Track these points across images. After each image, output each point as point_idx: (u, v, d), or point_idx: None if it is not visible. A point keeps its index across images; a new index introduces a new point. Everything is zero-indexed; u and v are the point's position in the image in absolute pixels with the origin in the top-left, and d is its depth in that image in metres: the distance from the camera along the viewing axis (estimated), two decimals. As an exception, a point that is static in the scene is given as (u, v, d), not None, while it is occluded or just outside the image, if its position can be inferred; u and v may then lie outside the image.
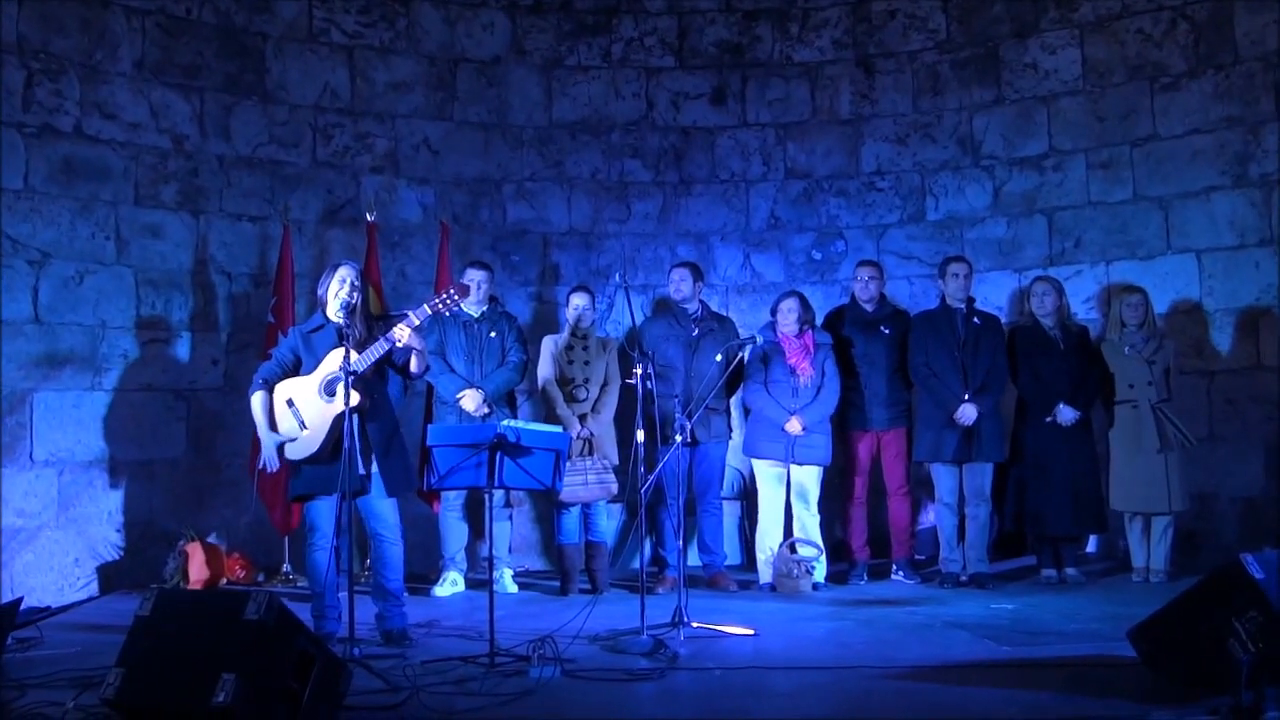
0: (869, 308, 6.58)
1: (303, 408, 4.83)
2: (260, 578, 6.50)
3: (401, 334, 4.68)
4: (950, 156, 7.47)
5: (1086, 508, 6.28)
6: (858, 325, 6.55)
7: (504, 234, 7.52)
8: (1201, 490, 6.47)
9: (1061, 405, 6.25)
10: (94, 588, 6.20)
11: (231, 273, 6.80)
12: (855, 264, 6.86)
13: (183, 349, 6.64)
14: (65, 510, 6.15)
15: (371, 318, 5.01)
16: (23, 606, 5.11)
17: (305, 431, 4.81)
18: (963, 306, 6.40)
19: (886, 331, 6.50)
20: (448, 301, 4.74)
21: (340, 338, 4.79)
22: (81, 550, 6.19)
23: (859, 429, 6.46)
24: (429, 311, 4.73)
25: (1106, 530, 6.60)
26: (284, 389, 4.92)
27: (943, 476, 6.36)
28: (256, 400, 4.94)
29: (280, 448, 4.89)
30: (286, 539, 6.51)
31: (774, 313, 6.34)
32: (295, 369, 4.98)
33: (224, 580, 6.34)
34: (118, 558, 6.31)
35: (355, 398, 4.62)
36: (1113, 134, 6.99)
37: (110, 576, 6.24)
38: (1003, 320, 6.80)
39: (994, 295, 7.19)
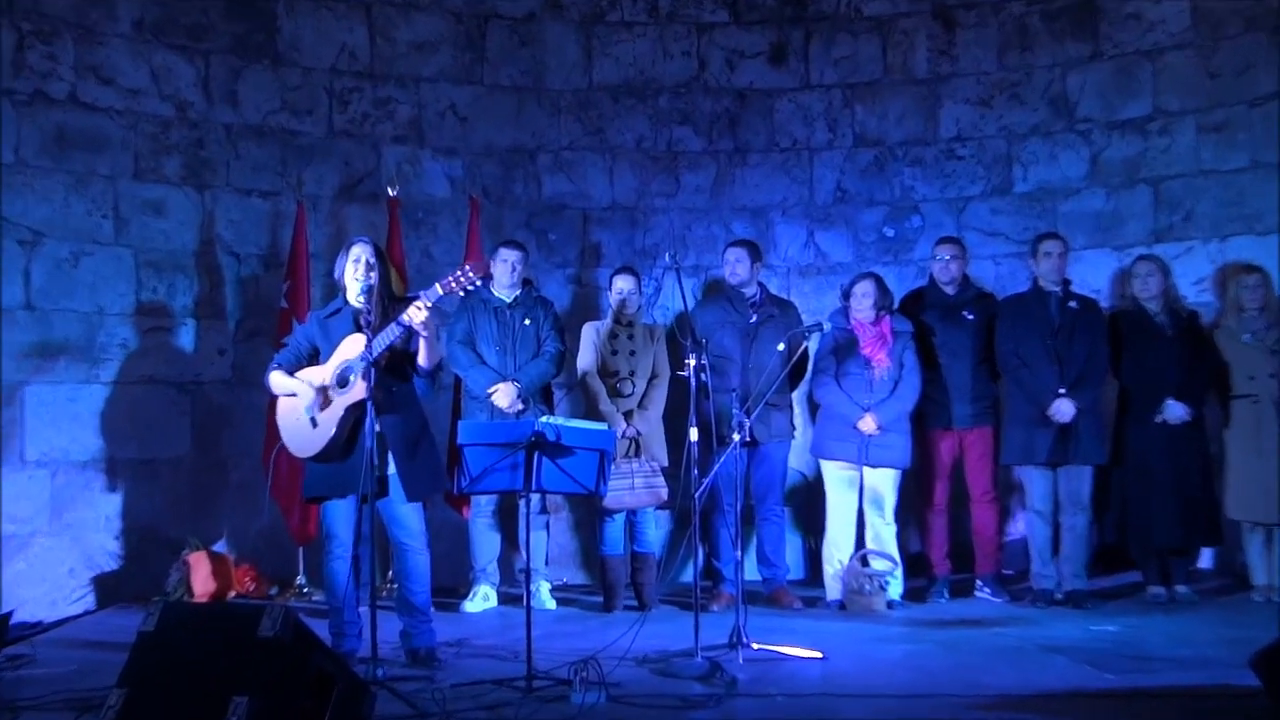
0: (950, 291, 6.53)
1: (314, 399, 4.84)
2: (272, 591, 6.53)
3: (416, 315, 4.63)
4: (1041, 120, 7.38)
5: (1199, 517, 6.20)
6: (938, 311, 6.50)
7: (539, 210, 7.51)
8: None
9: (1170, 400, 6.17)
10: (90, 600, 6.26)
11: (240, 254, 6.84)
12: (933, 242, 6.80)
13: (187, 338, 6.69)
14: (59, 515, 6.22)
15: (391, 300, 4.98)
16: (13, 621, 5.17)
17: (316, 426, 4.81)
18: (1057, 289, 6.33)
19: (970, 317, 6.45)
20: (462, 280, 4.66)
21: (358, 323, 4.78)
22: (77, 559, 6.25)
23: (940, 427, 6.41)
24: (440, 291, 4.66)
25: (1222, 542, 6.51)
26: (298, 380, 4.94)
27: (1035, 481, 6.29)
28: (276, 376, 4.99)
29: (282, 448, 4.92)
30: (302, 550, 6.54)
31: (846, 296, 6.32)
32: (313, 359, 4.99)
33: (232, 593, 6.38)
34: (116, 567, 6.37)
35: (361, 388, 4.61)
36: (1227, 93, 6.88)
37: (108, 588, 6.30)
38: (1102, 305, 6.70)
39: (1092, 276, 7.09)
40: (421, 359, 4.84)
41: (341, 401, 4.77)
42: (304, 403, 4.86)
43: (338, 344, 4.87)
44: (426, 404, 5.20)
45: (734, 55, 7.66)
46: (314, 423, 4.83)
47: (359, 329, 4.77)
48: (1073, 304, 6.32)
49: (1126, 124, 7.18)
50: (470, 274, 4.68)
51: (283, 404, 4.99)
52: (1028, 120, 7.41)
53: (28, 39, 6.17)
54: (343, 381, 4.79)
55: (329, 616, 4.99)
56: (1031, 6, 7.36)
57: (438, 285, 4.68)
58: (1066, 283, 6.38)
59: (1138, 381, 6.28)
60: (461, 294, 4.93)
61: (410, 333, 4.72)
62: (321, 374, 4.87)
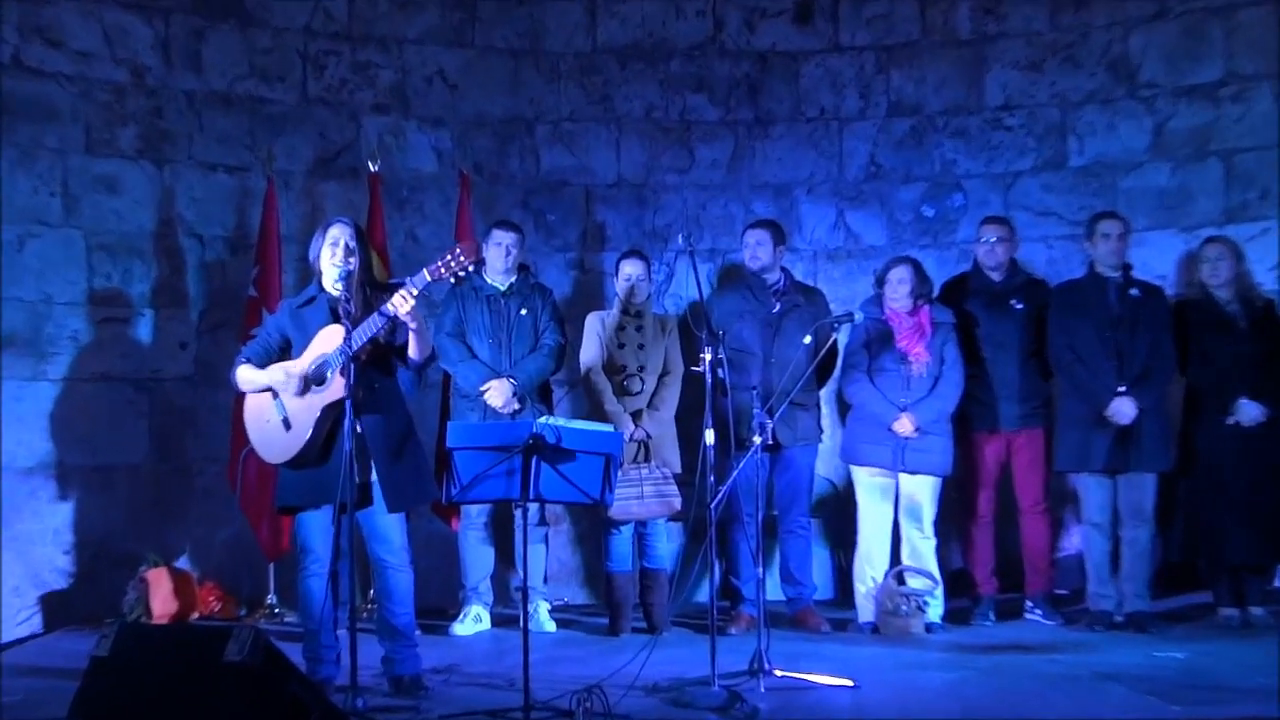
0: (996, 277, 6.52)
1: (287, 400, 4.84)
2: (241, 612, 6.55)
3: (402, 305, 4.63)
4: (1099, 85, 7.36)
5: (1275, 530, 6.18)
6: (982, 299, 6.49)
7: (537, 187, 7.52)
8: None
9: (1243, 400, 6.16)
10: (37, 622, 6.27)
11: (204, 236, 6.85)
12: (978, 222, 6.79)
13: (145, 330, 6.70)
14: (2, 528, 6.21)
15: (373, 287, 4.98)
16: (-48, 645, 5.19)
17: (289, 428, 4.81)
18: (1116, 275, 6.32)
19: (1019, 307, 6.44)
20: (453, 265, 4.65)
21: (335, 313, 4.77)
22: (21, 576, 6.26)
23: (985, 429, 6.41)
24: (428, 278, 4.65)
25: (1302, 559, 6.49)
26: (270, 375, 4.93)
27: (1091, 490, 6.29)
28: (244, 370, 4.96)
29: (251, 452, 4.92)
30: (273, 566, 6.55)
31: (880, 284, 6.31)
32: (284, 352, 4.99)
33: (195, 614, 6.39)
34: (66, 586, 6.38)
35: (340, 385, 4.61)
36: (1309, 55, 6.87)
37: (57, 609, 6.31)
38: (1167, 292, 6.68)
39: (1155, 261, 7.06)
40: (412, 352, 4.84)
41: (318, 400, 4.77)
42: (277, 401, 4.85)
43: (313, 336, 4.87)
44: (411, 402, 5.21)
45: (754, 14, 7.66)
46: (287, 424, 4.83)
47: (337, 320, 4.77)
48: (1134, 291, 6.30)
49: (1195, 90, 7.16)
50: (462, 258, 4.67)
51: (251, 403, 4.98)
52: (1084, 86, 7.39)
53: (-34, -4, 6.20)
54: (319, 379, 4.79)
55: (303, 640, 4.98)
56: (1089, -42, 7.38)
57: (425, 271, 4.67)
58: (1127, 268, 6.36)
59: (1207, 378, 6.27)
60: (452, 280, 4.93)
61: (395, 324, 4.72)
62: (296, 369, 4.86)
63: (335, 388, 4.69)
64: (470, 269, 4.73)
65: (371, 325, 4.70)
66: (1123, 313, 6.24)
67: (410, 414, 5.08)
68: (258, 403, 4.93)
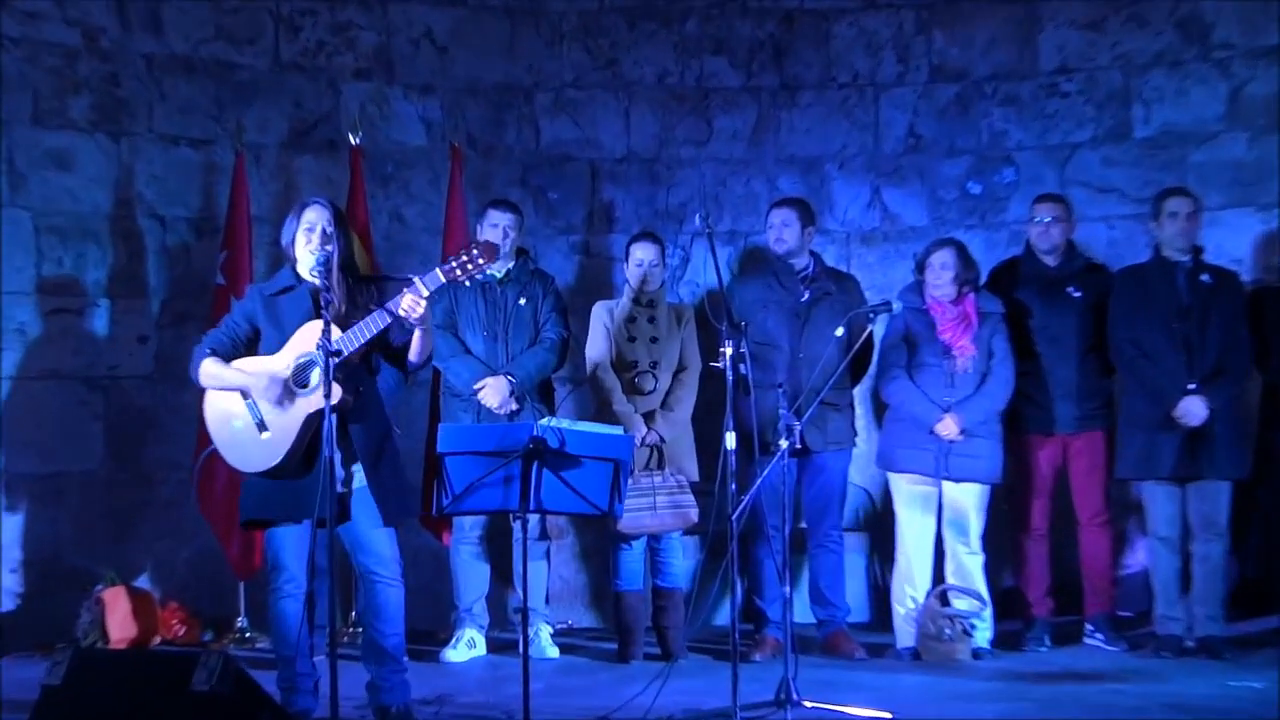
0: (1051, 262, 6.52)
1: (263, 402, 4.82)
2: (207, 636, 6.56)
3: (414, 307, 4.65)
4: (1167, 46, 7.36)
5: (1365, 544, 6.19)
6: (1036, 287, 6.49)
7: (537, 162, 7.53)
8: None
9: (1329, 399, 6.15)
10: (-18, 648, 6.31)
11: (165, 217, 6.87)
12: (1031, 200, 6.78)
13: (100, 321, 6.72)
14: (-58, 543, 6.27)
15: (358, 279, 4.98)
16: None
17: (265, 434, 4.81)
18: (1186, 259, 6.31)
19: (1077, 295, 6.44)
20: (469, 267, 4.69)
21: (317, 305, 4.75)
22: (-36, 597, 6.31)
23: (1039, 432, 6.41)
24: (442, 279, 4.68)
25: (1395, 577, 6.50)
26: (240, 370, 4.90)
27: (1158, 500, 6.28)
28: (211, 365, 4.88)
29: (215, 456, 4.90)
30: (244, 585, 6.56)
31: (920, 269, 6.31)
32: (251, 345, 4.96)
33: (157, 639, 6.41)
34: (13, 607, 6.41)
35: (337, 392, 4.61)
36: (1402, 11, 6.87)
37: (3, 633, 6.32)
38: (1243, 279, 6.68)
39: (1230, 243, 7.06)
40: (412, 354, 4.86)
41: (304, 405, 4.75)
42: (249, 402, 4.82)
43: (288, 328, 4.85)
44: (394, 405, 5.20)
45: (780, -33, 7.67)
46: (262, 428, 4.81)
47: (320, 312, 4.72)
48: (1205, 278, 6.30)
49: (1275, 52, 7.14)
50: (480, 260, 4.70)
51: (215, 402, 4.91)
52: (1150, 47, 7.38)
53: (-99, -50, 6.22)
54: (303, 381, 4.77)
55: (277, 667, 4.97)
56: (1156, -96, 7.37)
57: (439, 271, 4.69)
58: (1198, 251, 6.35)
59: (1288, 376, 6.27)
60: (467, 283, 4.95)
61: (395, 323, 4.72)
62: (273, 366, 4.84)
63: (322, 394, 4.61)
64: (488, 272, 4.75)
65: (373, 324, 4.69)
66: (1193, 301, 6.23)
67: (387, 417, 5.07)
68: (225, 401, 4.87)
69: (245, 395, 4.84)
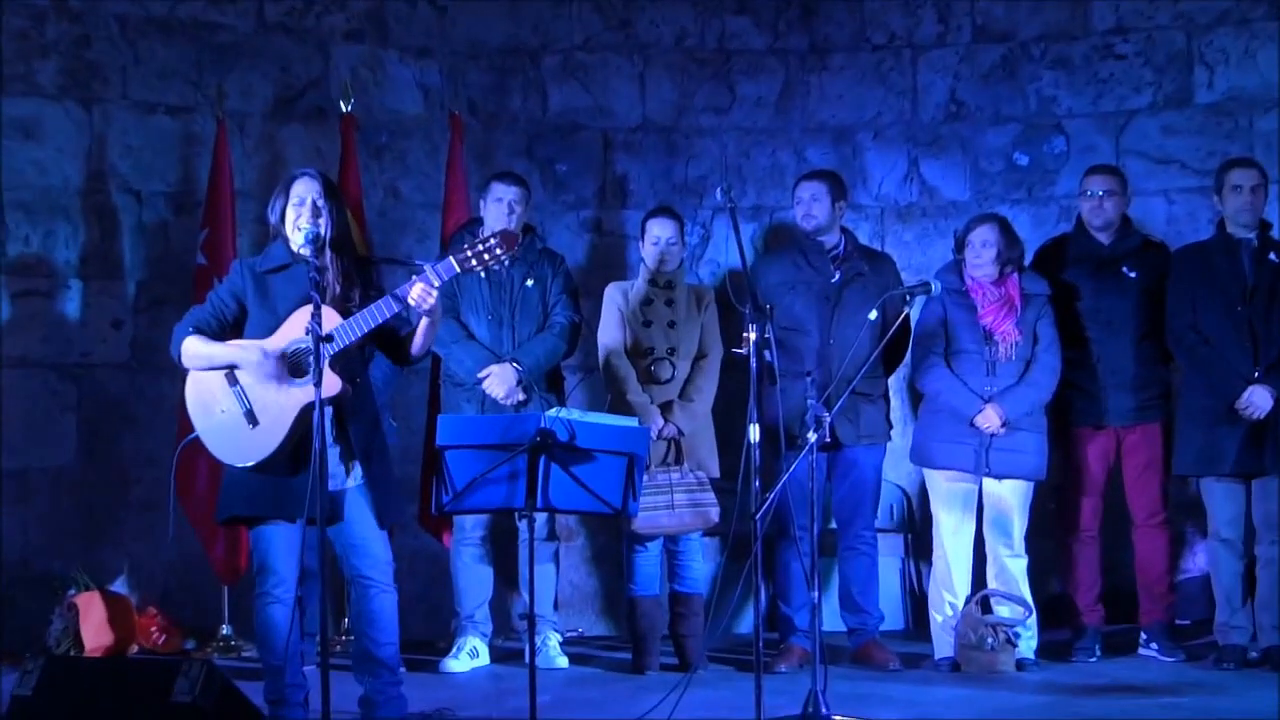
0: (1104, 239, 6.52)
1: (253, 389, 4.84)
2: (188, 644, 6.60)
3: (424, 297, 4.67)
4: (1232, 4, 7.35)
5: None
6: (1087, 266, 6.50)
7: (544, 131, 7.54)
8: None
9: (1406, 389, 6.16)
10: (-54, 657, 6.36)
11: (141, 191, 6.89)
12: (1083, 173, 6.78)
13: (71, 304, 6.75)
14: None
15: (353, 259, 5.00)
16: None
17: (255, 425, 4.83)
18: (1252, 237, 6.32)
19: (1132, 276, 6.45)
20: (485, 257, 4.71)
21: (316, 286, 4.73)
22: (-73, 603, 6.35)
23: (1089, 425, 6.43)
24: (457, 268, 4.70)
25: None
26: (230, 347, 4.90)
27: (1220, 499, 6.29)
28: (195, 342, 4.86)
29: (196, 446, 4.91)
30: (228, 590, 6.60)
31: (961, 247, 6.31)
32: (238, 325, 4.97)
33: (134, 647, 6.45)
34: (-20, 614, 6.46)
35: (335, 382, 4.64)
36: None
37: (-31, 641, 6.39)
38: (1314, 257, 6.69)
39: (1300, 219, 7.07)
40: (416, 345, 4.90)
41: (298, 395, 4.76)
42: (236, 388, 4.83)
43: (281, 311, 4.85)
44: (393, 393, 5.24)
45: (809, -82, 7.68)
46: (251, 418, 4.83)
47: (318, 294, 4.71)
48: (1273, 256, 6.30)
49: (1352, 8, 7.15)
50: (497, 250, 4.71)
51: (198, 383, 4.88)
52: (1214, 5, 7.37)
53: None
54: (298, 369, 4.80)
55: (264, 677, 4.98)
56: None
57: (453, 260, 4.71)
58: (1265, 227, 6.36)
59: (1363, 365, 6.28)
60: (483, 274, 4.96)
61: (404, 311, 4.75)
62: (265, 350, 4.86)
63: (327, 384, 4.59)
64: (504, 262, 4.75)
65: (380, 312, 4.69)
66: (1259, 282, 6.24)
67: (377, 410, 5.09)
68: (208, 385, 4.84)
69: (233, 381, 4.80)
